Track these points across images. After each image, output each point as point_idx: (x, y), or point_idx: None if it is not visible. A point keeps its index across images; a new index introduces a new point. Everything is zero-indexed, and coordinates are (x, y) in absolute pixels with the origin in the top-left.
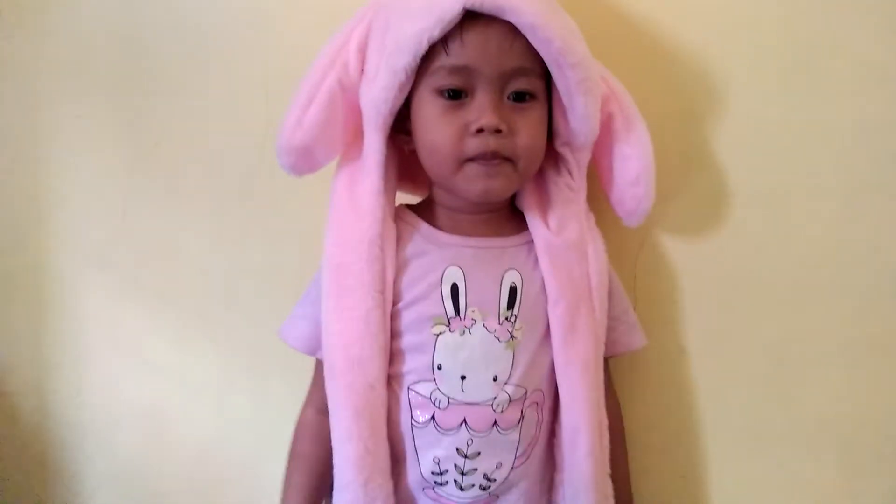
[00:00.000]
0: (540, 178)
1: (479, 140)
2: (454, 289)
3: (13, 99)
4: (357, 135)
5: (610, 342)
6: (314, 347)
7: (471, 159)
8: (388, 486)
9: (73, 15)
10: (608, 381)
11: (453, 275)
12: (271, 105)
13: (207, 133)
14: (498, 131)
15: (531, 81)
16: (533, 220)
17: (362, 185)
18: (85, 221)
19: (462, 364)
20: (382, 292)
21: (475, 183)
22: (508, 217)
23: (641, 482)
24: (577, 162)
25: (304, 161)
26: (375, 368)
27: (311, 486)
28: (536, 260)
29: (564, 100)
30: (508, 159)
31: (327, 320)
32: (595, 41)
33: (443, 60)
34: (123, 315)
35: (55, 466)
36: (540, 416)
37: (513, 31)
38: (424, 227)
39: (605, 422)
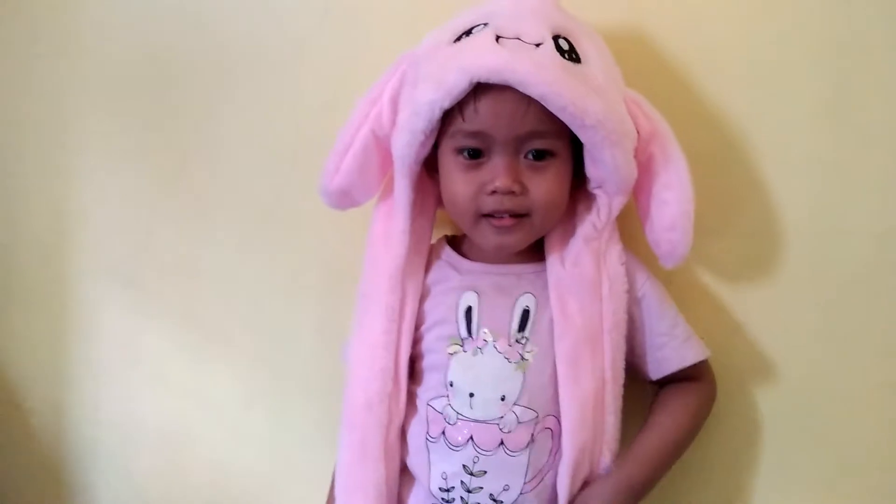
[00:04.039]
0: (570, 212)
1: (494, 199)
2: (468, 311)
3: (43, 115)
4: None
5: (662, 360)
6: None
7: (486, 215)
8: (376, 502)
9: (105, 35)
10: (686, 388)
11: (468, 298)
12: (300, 126)
13: (234, 153)
14: (511, 192)
15: (548, 141)
16: (550, 252)
17: (394, 221)
18: (108, 239)
19: (471, 382)
20: (398, 322)
21: (490, 239)
22: (534, 244)
23: None
24: (610, 205)
25: (343, 201)
26: (374, 390)
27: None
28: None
29: (592, 153)
30: (524, 215)
31: (351, 342)
32: (632, 81)
33: (459, 125)
34: (144, 333)
35: (70, 482)
36: (554, 445)
37: (527, 97)
38: (451, 255)
39: (595, 468)
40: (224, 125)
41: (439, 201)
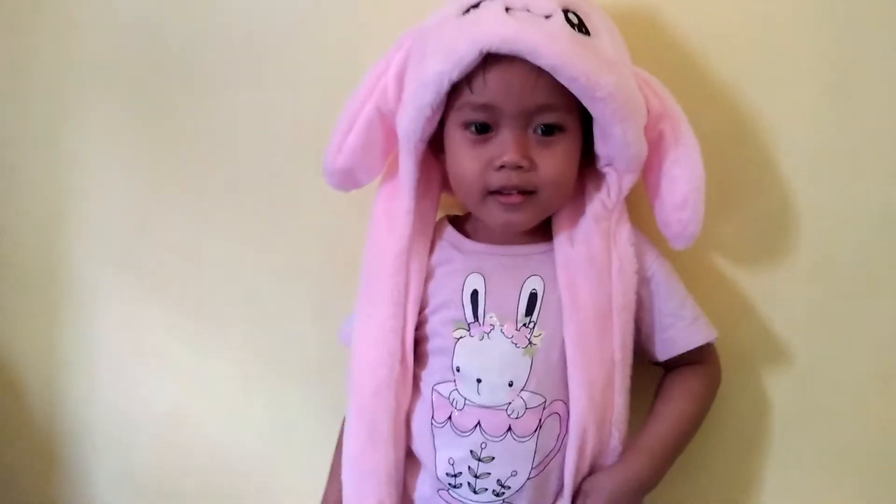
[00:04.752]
0: (578, 191)
1: (502, 175)
2: (474, 294)
3: (44, 99)
4: (398, 155)
5: (669, 341)
6: None
7: (494, 192)
8: (386, 487)
9: (104, 17)
10: (690, 372)
11: (474, 281)
12: (299, 110)
13: (233, 137)
14: (519, 167)
15: (558, 115)
16: (559, 232)
17: (398, 201)
18: (106, 222)
19: (478, 367)
20: (403, 305)
21: (497, 217)
22: (541, 224)
23: None
24: (620, 184)
25: (346, 181)
26: (383, 375)
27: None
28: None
29: (602, 128)
30: (532, 192)
31: (355, 326)
32: (643, 62)
33: (467, 97)
34: (142, 316)
35: (65, 464)
36: (563, 430)
37: (536, 69)
38: (454, 235)
39: (605, 448)
40: (224, 110)
41: (444, 183)
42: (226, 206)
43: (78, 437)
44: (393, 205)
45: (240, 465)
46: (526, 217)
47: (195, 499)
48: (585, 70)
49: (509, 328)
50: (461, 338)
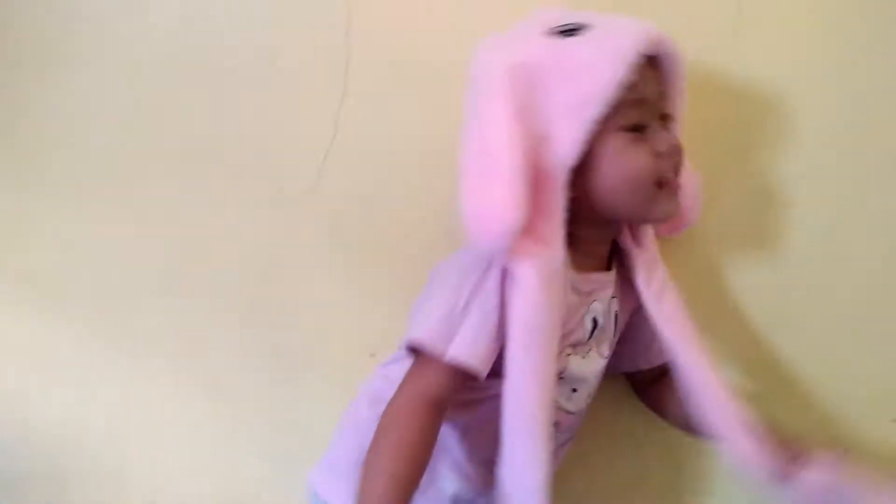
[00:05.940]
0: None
1: (668, 162)
2: (594, 322)
3: None
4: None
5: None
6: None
7: (663, 183)
8: None
9: None
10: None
11: (595, 309)
12: (142, 84)
13: (70, 108)
14: (677, 150)
15: (669, 105)
16: (638, 269)
17: (548, 229)
18: None
19: (576, 379)
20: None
21: (665, 206)
22: (603, 250)
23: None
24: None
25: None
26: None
27: (414, 479)
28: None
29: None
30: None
31: (529, 366)
32: None
33: (625, 96)
34: None
35: None
36: None
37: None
38: (571, 273)
39: None
40: (63, 83)
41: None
42: (68, 183)
43: None
44: (530, 243)
45: (89, 445)
46: (679, 203)
47: (41, 481)
48: None
49: (605, 349)
50: (570, 354)
